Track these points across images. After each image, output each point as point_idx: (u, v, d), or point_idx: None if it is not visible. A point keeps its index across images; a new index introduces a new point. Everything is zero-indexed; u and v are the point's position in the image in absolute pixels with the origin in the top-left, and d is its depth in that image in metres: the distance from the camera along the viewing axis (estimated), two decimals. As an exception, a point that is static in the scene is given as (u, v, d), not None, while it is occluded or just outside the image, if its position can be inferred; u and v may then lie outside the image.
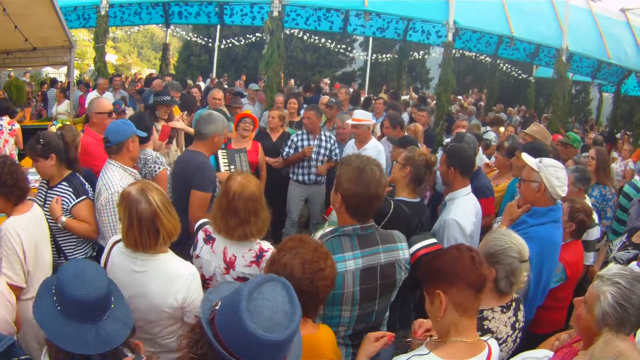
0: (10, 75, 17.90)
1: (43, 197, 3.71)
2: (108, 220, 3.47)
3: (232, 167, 5.41)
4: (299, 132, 6.51)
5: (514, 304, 2.59)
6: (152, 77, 14.66)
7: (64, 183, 3.65)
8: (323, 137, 6.43)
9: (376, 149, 5.91)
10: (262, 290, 1.58)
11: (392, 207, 3.51)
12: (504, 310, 2.53)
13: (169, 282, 2.49)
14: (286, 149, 6.39)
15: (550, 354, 2.49)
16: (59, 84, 14.53)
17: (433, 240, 3.28)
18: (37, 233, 3.13)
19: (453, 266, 1.92)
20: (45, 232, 3.28)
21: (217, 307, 1.62)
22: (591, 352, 1.89)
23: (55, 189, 3.65)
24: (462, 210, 3.68)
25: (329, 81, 23.14)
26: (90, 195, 3.71)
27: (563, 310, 3.74)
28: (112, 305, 2.06)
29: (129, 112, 7.60)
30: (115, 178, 3.53)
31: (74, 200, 3.61)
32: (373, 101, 11.28)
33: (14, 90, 10.23)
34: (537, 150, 4.33)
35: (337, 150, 6.47)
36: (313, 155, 6.26)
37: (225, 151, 5.55)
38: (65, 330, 1.93)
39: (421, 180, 3.72)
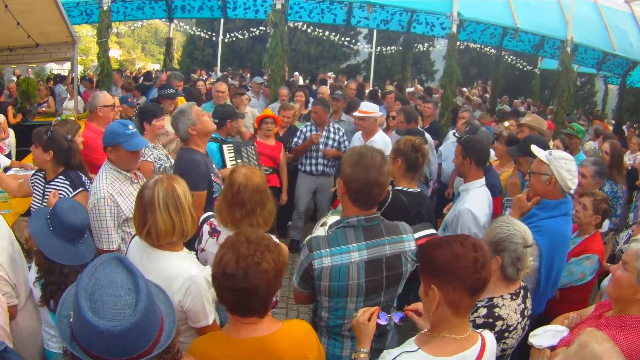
0: (15, 72, 17.94)
1: (41, 191, 3.71)
2: (93, 225, 3.31)
3: (238, 161, 5.31)
4: (308, 123, 6.53)
5: (522, 291, 2.60)
6: (149, 72, 14.59)
7: (61, 177, 3.65)
8: (332, 129, 6.43)
9: (383, 142, 5.86)
10: (97, 279, 1.47)
11: (390, 195, 3.52)
12: (513, 297, 2.53)
13: (165, 282, 2.34)
14: (294, 139, 6.43)
15: (565, 329, 2.62)
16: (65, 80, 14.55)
17: (432, 230, 3.27)
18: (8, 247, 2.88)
19: (453, 265, 1.83)
20: (12, 240, 2.98)
21: (72, 320, 1.49)
22: (567, 352, 1.91)
23: (53, 183, 3.64)
24: (477, 201, 3.71)
25: (333, 75, 23.04)
26: (87, 187, 3.65)
27: (586, 302, 3.75)
28: (86, 235, 2.85)
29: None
30: (105, 182, 3.38)
31: (71, 193, 3.59)
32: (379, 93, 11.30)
33: (30, 88, 10.20)
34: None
35: (347, 143, 6.46)
36: (321, 146, 6.27)
37: (230, 145, 5.42)
38: (52, 244, 2.67)
39: (416, 166, 3.69)
